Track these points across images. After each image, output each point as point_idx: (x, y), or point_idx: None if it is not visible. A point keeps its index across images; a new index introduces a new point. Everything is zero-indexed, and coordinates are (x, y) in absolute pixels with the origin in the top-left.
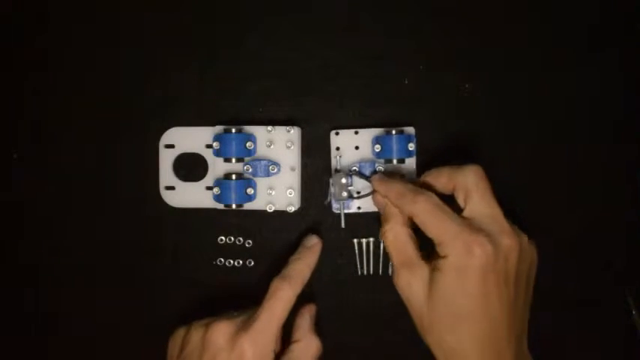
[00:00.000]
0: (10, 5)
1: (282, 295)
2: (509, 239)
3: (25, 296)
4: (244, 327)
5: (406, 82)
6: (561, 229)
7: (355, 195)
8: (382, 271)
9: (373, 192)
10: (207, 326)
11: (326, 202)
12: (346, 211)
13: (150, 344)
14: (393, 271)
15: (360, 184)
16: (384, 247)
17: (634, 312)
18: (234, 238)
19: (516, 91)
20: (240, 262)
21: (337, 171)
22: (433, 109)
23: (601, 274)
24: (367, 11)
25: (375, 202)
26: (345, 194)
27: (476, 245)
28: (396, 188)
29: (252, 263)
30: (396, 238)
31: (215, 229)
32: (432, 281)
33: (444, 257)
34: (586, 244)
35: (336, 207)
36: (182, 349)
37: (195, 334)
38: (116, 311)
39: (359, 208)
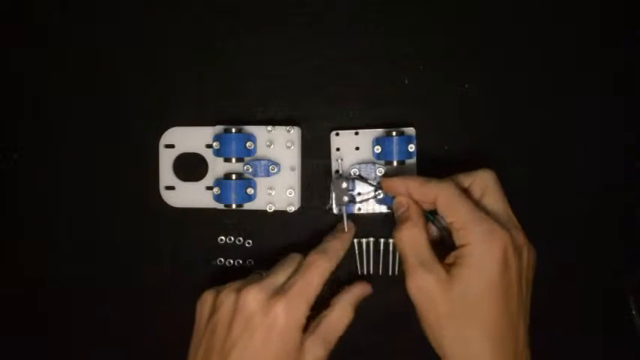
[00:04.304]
0: (11, 5)
1: (319, 266)
2: (522, 236)
3: (24, 297)
4: (279, 293)
5: (406, 82)
6: (561, 229)
7: (358, 199)
8: (382, 271)
9: (377, 195)
10: (238, 291)
11: (327, 207)
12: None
13: (150, 344)
14: (406, 274)
15: (361, 187)
16: (399, 249)
17: (634, 312)
18: (234, 238)
19: (516, 91)
20: (240, 262)
21: (338, 176)
22: (433, 109)
23: (601, 275)
24: (367, 11)
25: (394, 205)
26: (346, 199)
27: (498, 231)
28: (414, 177)
29: (252, 263)
30: (413, 238)
31: (215, 229)
32: (451, 277)
33: (464, 246)
34: (585, 243)
35: (337, 211)
36: (212, 312)
37: (227, 298)
38: (116, 311)
39: (359, 209)
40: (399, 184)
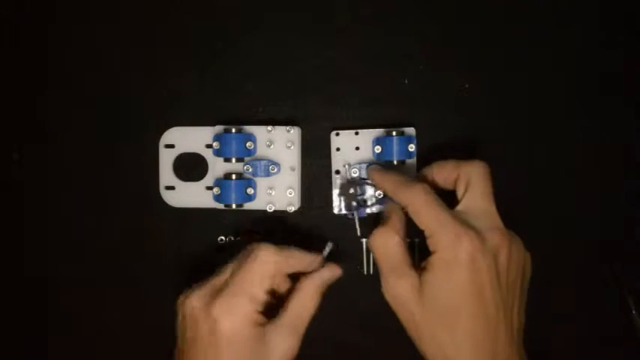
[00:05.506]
0: (11, 5)
1: (259, 255)
2: (499, 237)
3: (25, 296)
4: (216, 295)
5: (406, 82)
6: (560, 229)
7: (366, 203)
8: None
9: (379, 196)
10: (185, 297)
11: (342, 213)
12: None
13: (150, 344)
14: (381, 280)
15: (364, 189)
16: (373, 254)
17: (634, 312)
18: (235, 238)
19: (516, 91)
20: None
21: (346, 180)
22: (433, 109)
23: (600, 275)
24: (367, 11)
25: (384, 209)
26: (354, 204)
27: (464, 236)
28: (392, 177)
29: None
30: (385, 243)
31: (215, 229)
32: (422, 283)
33: (433, 253)
34: (585, 243)
35: (350, 216)
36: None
37: (179, 306)
38: (116, 311)
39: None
40: (379, 183)
